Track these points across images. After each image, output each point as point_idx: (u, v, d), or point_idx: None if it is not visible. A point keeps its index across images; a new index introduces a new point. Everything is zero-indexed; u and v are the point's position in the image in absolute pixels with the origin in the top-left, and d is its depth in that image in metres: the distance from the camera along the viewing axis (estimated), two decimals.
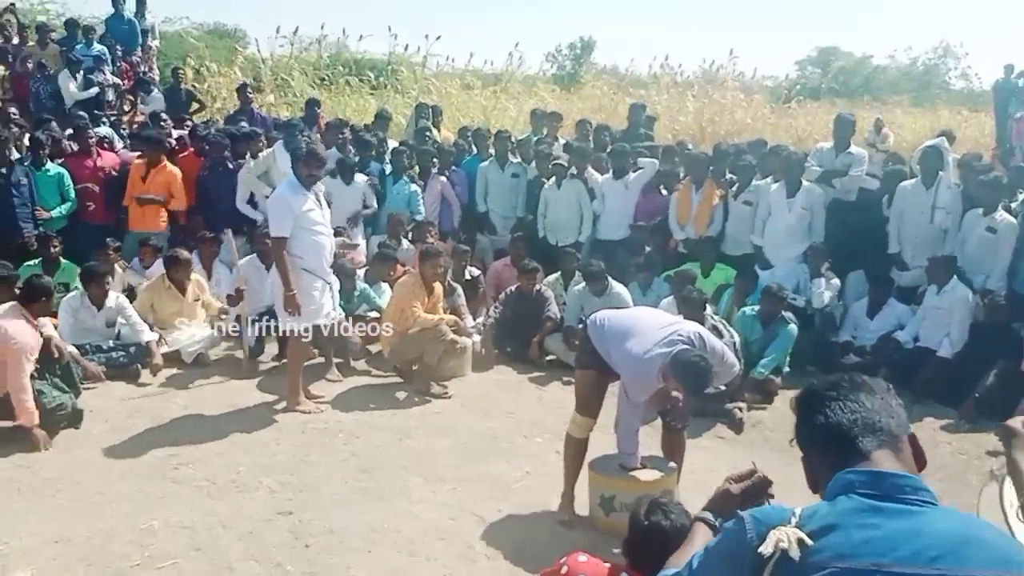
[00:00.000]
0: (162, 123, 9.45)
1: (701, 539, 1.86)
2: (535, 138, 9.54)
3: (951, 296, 6.66)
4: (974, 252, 6.89)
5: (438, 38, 18.42)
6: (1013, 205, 7.22)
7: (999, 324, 6.43)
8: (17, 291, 5.59)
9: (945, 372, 6.45)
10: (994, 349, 6.28)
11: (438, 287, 6.66)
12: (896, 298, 7.19)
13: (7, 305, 5.31)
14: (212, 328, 6.90)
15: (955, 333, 6.56)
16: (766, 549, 1.42)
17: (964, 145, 14.38)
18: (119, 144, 9.34)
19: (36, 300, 5.28)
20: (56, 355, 5.47)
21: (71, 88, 10.81)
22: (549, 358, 7.16)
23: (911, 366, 6.59)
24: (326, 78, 16.91)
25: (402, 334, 6.40)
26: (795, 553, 1.40)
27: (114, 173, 8.38)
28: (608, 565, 2.51)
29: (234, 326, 6.78)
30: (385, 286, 7.30)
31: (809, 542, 1.41)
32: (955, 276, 6.73)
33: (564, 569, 2.50)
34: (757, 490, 1.91)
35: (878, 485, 1.47)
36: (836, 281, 7.27)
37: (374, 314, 7.01)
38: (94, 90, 10.93)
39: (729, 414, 6.00)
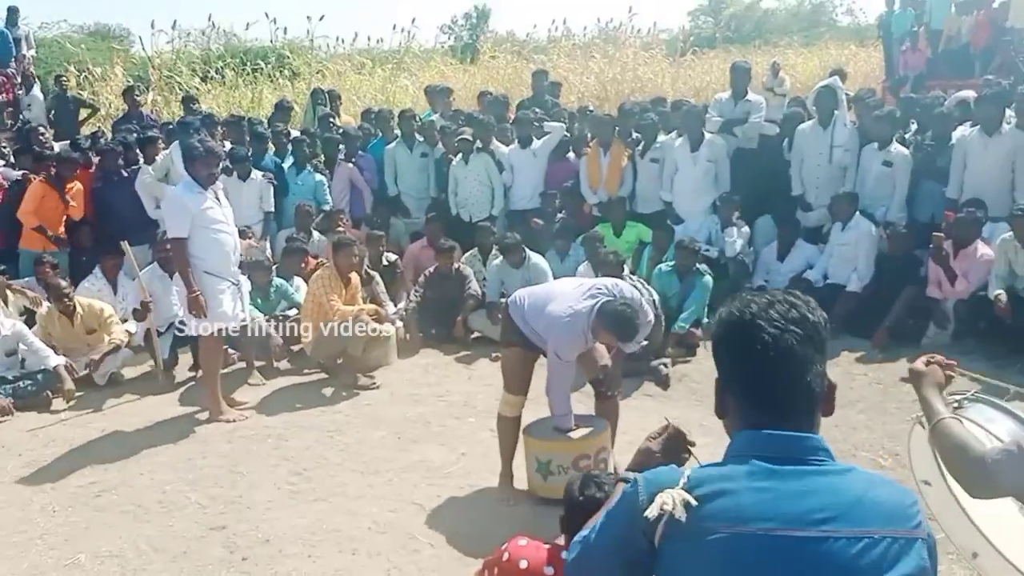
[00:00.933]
0: (41, 136, 8.97)
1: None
2: (434, 116, 9.40)
3: (855, 231, 6.86)
4: (873, 186, 7.10)
5: (321, 18, 17.93)
6: (907, 136, 7.46)
7: (902, 254, 6.67)
8: None
9: (856, 306, 6.67)
10: (900, 278, 6.52)
11: (355, 277, 6.54)
12: (803, 239, 7.37)
13: None
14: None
15: (862, 267, 6.77)
16: (651, 512, 1.40)
17: (855, 80, 14.83)
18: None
19: None
20: None
21: None
22: (474, 336, 7.13)
23: (823, 303, 6.68)
24: (216, 71, 16.34)
25: (322, 330, 6.27)
26: (680, 514, 1.38)
27: None
28: (548, 547, 2.49)
29: (142, 342, 6.53)
30: (299, 281, 7.13)
31: (694, 503, 1.39)
32: (857, 212, 6.94)
33: (505, 556, 2.47)
34: (675, 444, 1.86)
35: (779, 447, 1.44)
36: (746, 229, 7.42)
37: (293, 312, 6.86)
38: None
39: (655, 371, 6.09)
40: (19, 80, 11.84)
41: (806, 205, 7.46)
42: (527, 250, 6.97)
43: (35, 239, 7.68)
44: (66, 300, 6.48)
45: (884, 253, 6.82)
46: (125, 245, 6.39)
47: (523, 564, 2.40)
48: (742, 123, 7.66)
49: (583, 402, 4.91)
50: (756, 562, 1.36)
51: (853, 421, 5.26)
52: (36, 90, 11.38)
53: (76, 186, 7.83)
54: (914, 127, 7.81)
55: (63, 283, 6.60)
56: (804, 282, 7.03)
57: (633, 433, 5.14)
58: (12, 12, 12.55)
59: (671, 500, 1.39)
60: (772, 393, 1.46)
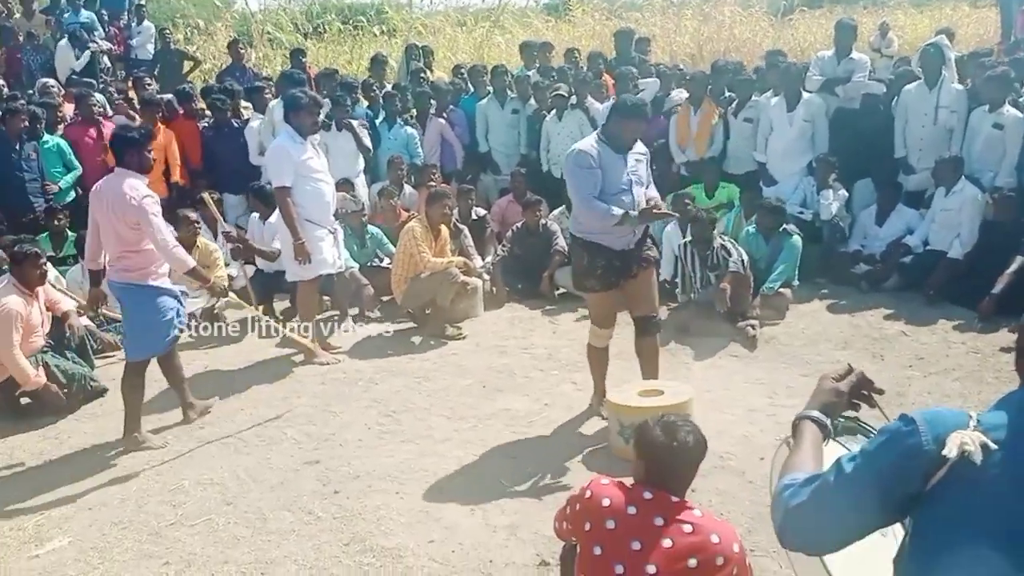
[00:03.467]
0: (146, 84, 9.35)
1: (810, 440, 1.72)
2: (529, 73, 9.38)
3: (960, 197, 6.60)
4: (982, 150, 6.79)
5: None
6: (1021, 100, 7.08)
7: (1009, 220, 6.38)
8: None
9: (957, 273, 6.44)
10: (1006, 246, 6.24)
11: (444, 230, 6.65)
12: (904, 203, 7.13)
13: (3, 279, 5.34)
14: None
15: (965, 234, 6.52)
16: (950, 452, 1.36)
17: (969, 43, 14.06)
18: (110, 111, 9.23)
19: (20, 267, 5.24)
20: (69, 332, 5.54)
21: (72, 60, 10.68)
22: (560, 291, 7.17)
23: (922, 270, 6.57)
24: (317, 27, 16.63)
25: (413, 279, 6.42)
26: (978, 458, 1.35)
27: None
28: (630, 484, 2.54)
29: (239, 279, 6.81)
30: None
31: (993, 446, 1.35)
32: (963, 176, 6.66)
33: (588, 493, 2.52)
34: (860, 387, 1.79)
35: None
36: (843, 191, 7.20)
37: (386, 262, 7.04)
38: (87, 54, 10.82)
39: (742, 331, 6.02)
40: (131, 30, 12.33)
41: (908, 168, 7.19)
42: None
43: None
44: (195, 226, 6.75)
45: (989, 220, 6.54)
46: (206, 196, 6.60)
47: (605, 502, 2.45)
48: (844, 82, 7.39)
49: (632, 366, 4.96)
50: None
51: (947, 389, 5.11)
52: (147, 22, 11.85)
53: (168, 137, 8.12)
54: None
55: (192, 214, 6.92)
56: (903, 247, 6.83)
57: (716, 391, 5.15)
58: None
59: (971, 441, 1.36)
60: None
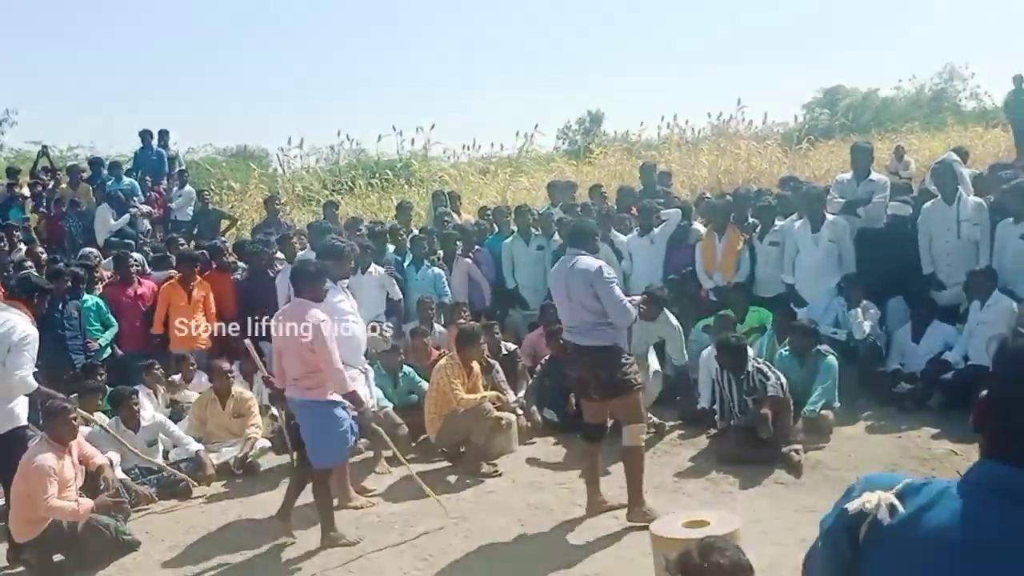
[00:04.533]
0: (181, 244, 9.70)
1: None
2: (553, 211, 9.63)
3: (995, 309, 6.52)
4: (1012, 261, 6.75)
5: (432, 127, 18.76)
6: None
7: None
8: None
9: None
10: None
11: (476, 366, 6.66)
12: (939, 319, 7.05)
13: (36, 436, 5.36)
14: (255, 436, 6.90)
15: None
16: (852, 505, 1.37)
17: (983, 162, 14.27)
18: (149, 269, 9.52)
19: (54, 422, 5.28)
20: (103, 486, 5.52)
21: (109, 221, 11.14)
22: None
23: (965, 386, 6.39)
24: (344, 183, 17.32)
25: (448, 416, 6.38)
26: (883, 515, 1.33)
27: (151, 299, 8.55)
28: None
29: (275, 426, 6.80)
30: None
31: (900, 508, 1.33)
32: (996, 289, 6.61)
33: None
34: None
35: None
36: (875, 310, 7.15)
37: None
38: (126, 217, 11.29)
39: (786, 458, 5.85)
40: (171, 193, 12.90)
41: (938, 284, 7.15)
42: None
43: (182, 340, 8.21)
44: (228, 377, 6.93)
45: None
46: (248, 343, 6.70)
47: None
48: (865, 203, 7.48)
49: (691, 493, 4.78)
50: None
51: None
52: (188, 187, 12.43)
53: (206, 288, 8.35)
54: None
55: (225, 364, 7.02)
56: (943, 363, 6.69)
57: (765, 522, 4.95)
58: (163, 134, 13.85)
59: (875, 500, 1.35)
60: None
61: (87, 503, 5.21)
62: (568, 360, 5.58)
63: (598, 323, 5.08)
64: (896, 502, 1.34)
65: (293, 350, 5.08)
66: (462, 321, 7.75)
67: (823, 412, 6.28)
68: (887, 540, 1.35)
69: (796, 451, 5.90)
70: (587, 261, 5.15)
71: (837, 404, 6.46)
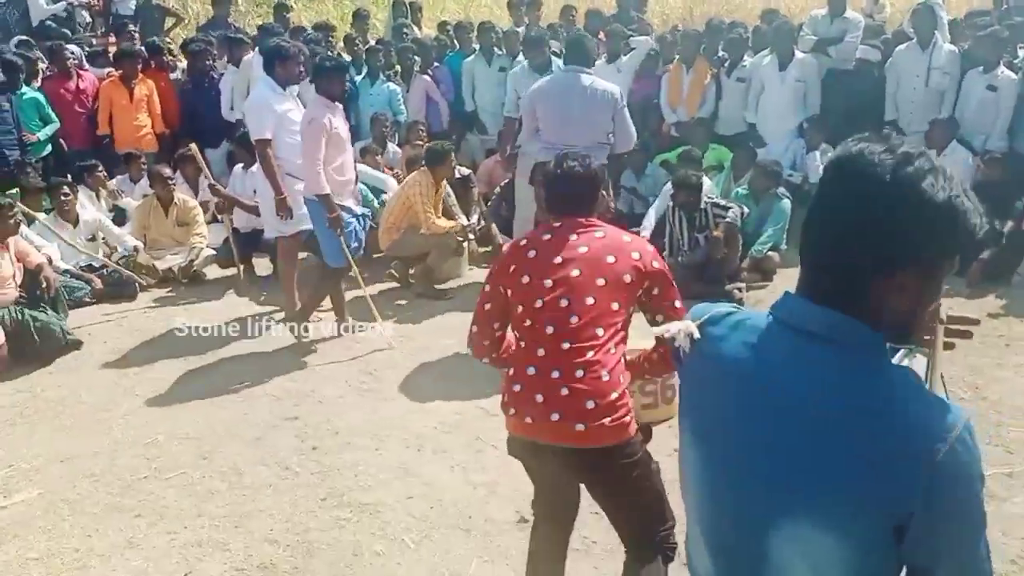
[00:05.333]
0: (132, 33, 9.12)
1: None
2: (519, 30, 9.20)
3: (950, 159, 6.47)
4: (975, 113, 6.72)
5: None
6: (1015, 61, 6.99)
7: (998, 182, 6.31)
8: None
9: None
10: (994, 211, 6.17)
11: (444, 185, 6.52)
12: None
13: None
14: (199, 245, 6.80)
15: None
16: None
17: (959, 11, 13.92)
18: (87, 65, 8.99)
19: None
20: (44, 284, 5.41)
21: (45, 4, 10.40)
22: None
23: None
24: None
25: (407, 230, 6.29)
26: (680, 343, 1.37)
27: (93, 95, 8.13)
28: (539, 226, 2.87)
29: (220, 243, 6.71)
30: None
31: (697, 335, 1.36)
32: (955, 140, 6.58)
33: (505, 248, 2.75)
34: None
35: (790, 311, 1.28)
36: (832, 153, 7.09)
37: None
38: (61, 5, 10.53)
39: (730, 295, 5.95)
40: None
41: (899, 131, 7.09)
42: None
43: (127, 140, 7.88)
44: (169, 183, 6.77)
45: (979, 183, 6.47)
46: (194, 148, 6.48)
47: (523, 242, 2.62)
48: (837, 42, 7.27)
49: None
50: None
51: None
52: None
53: (149, 87, 7.94)
54: (1023, 53, 7.31)
55: (167, 170, 6.80)
56: None
57: None
58: None
59: (675, 329, 1.39)
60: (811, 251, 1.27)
61: None
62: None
63: (600, 143, 5.09)
64: (695, 331, 1.37)
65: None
66: (418, 142, 7.54)
67: (770, 253, 6.35)
68: (688, 367, 1.39)
69: (739, 289, 6.02)
70: (603, 83, 5.22)
71: (784, 247, 6.53)
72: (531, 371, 2.43)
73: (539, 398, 2.39)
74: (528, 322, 2.46)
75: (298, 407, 4.57)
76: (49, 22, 10.03)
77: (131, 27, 9.45)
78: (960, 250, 1.20)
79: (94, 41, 9.64)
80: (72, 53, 8.25)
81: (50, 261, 5.75)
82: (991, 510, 3.41)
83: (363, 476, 3.86)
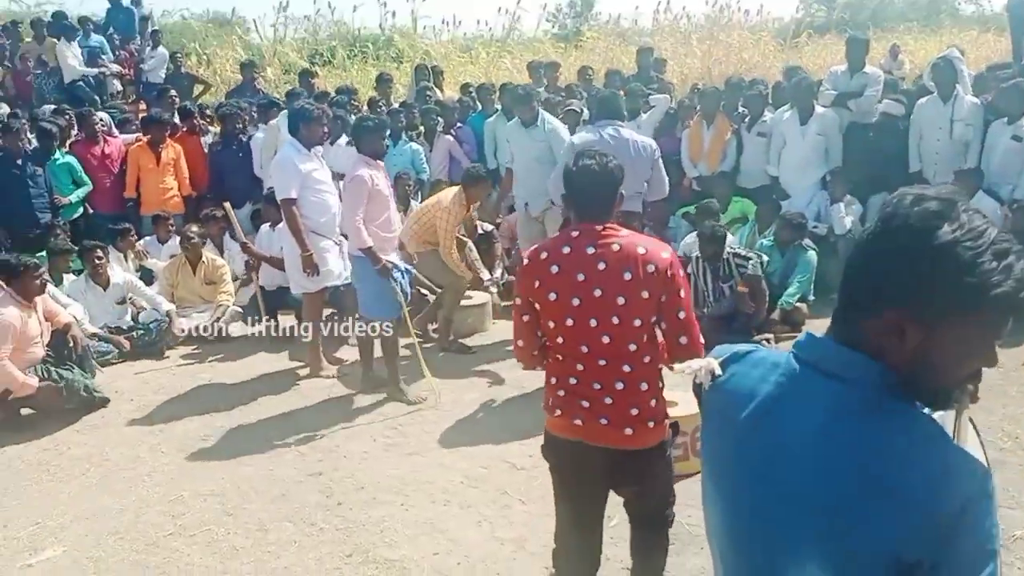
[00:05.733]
0: (171, 98, 9.37)
1: None
2: (540, 89, 9.34)
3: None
4: (1000, 163, 6.68)
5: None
6: None
7: None
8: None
9: None
10: None
11: (473, 209, 6.59)
12: None
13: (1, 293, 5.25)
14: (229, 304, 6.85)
15: None
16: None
17: (978, 65, 14.02)
18: (116, 131, 9.19)
19: (15, 278, 5.17)
20: (71, 344, 5.46)
21: (70, 61, 10.73)
22: None
23: None
24: (323, 54, 16.72)
25: (428, 251, 6.24)
26: (701, 379, 1.37)
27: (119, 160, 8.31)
28: (560, 233, 2.83)
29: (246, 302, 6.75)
30: None
31: (719, 372, 1.35)
32: (980, 190, 6.55)
33: (526, 260, 2.70)
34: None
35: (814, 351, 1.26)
36: (857, 205, 7.09)
37: None
38: (95, 70, 10.87)
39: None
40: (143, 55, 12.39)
41: (924, 182, 7.06)
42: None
43: (154, 203, 8.02)
44: (196, 244, 6.86)
45: (1007, 232, 6.41)
46: (227, 206, 6.57)
47: (543, 255, 2.60)
48: (857, 96, 7.31)
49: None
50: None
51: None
52: (161, 48, 11.93)
53: (176, 152, 8.10)
54: None
55: (195, 228, 6.90)
56: None
57: None
58: None
59: (697, 365, 1.38)
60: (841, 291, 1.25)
61: (32, 382, 5.13)
62: None
63: (638, 192, 5.32)
64: (717, 368, 1.36)
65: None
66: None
67: (798, 304, 6.30)
68: (708, 401, 1.38)
69: (768, 340, 5.96)
70: (642, 136, 5.56)
71: (812, 298, 6.47)
72: (573, 381, 2.56)
73: (585, 403, 2.54)
74: (561, 339, 2.55)
75: (323, 463, 4.53)
76: (80, 83, 10.31)
77: (172, 92, 9.66)
78: (980, 303, 1.08)
79: (125, 108, 9.87)
80: (101, 119, 8.45)
81: (77, 321, 5.79)
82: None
83: (389, 532, 3.79)
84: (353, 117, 8.18)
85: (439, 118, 8.76)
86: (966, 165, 6.72)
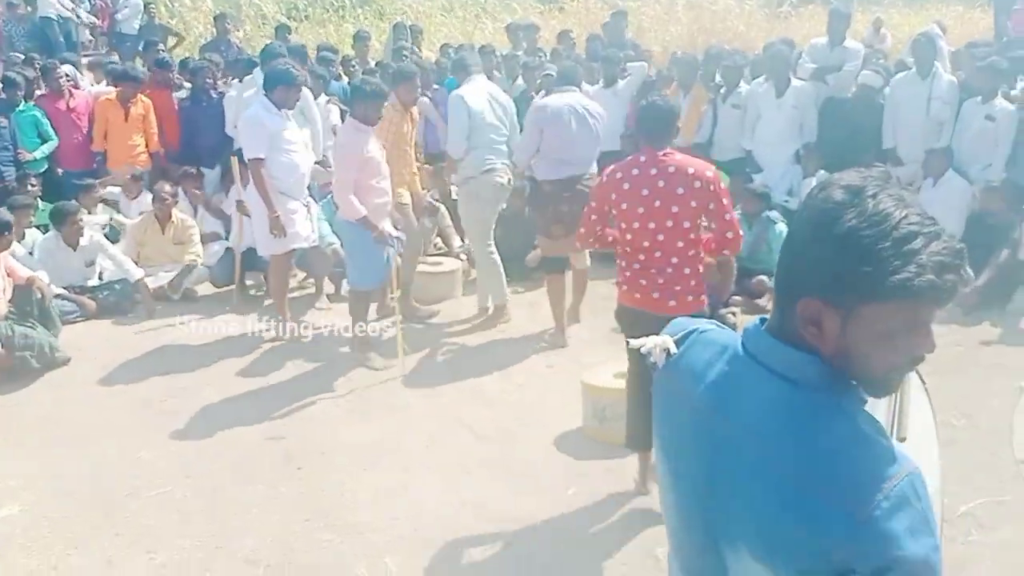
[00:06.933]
0: (159, 49, 9.16)
1: None
2: (518, 53, 9.24)
3: (947, 188, 6.52)
4: (972, 142, 6.69)
5: None
6: (1013, 92, 6.99)
7: (996, 212, 6.30)
8: None
9: None
10: (991, 239, 6.15)
11: (415, 111, 6.34)
12: None
13: None
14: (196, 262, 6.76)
15: (951, 225, 6.40)
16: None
17: (960, 43, 14.01)
18: (83, 82, 8.98)
19: None
20: (39, 295, 5.39)
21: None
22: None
23: None
24: (300, 9, 16.42)
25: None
26: (654, 358, 1.36)
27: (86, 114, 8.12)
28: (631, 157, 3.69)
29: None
30: None
31: (674, 350, 1.35)
32: (951, 168, 6.58)
33: (603, 177, 3.70)
34: None
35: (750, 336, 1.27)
36: None
37: None
38: (70, 7, 10.65)
39: (723, 319, 5.91)
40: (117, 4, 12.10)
41: (897, 159, 7.09)
42: None
43: (121, 159, 7.86)
44: (169, 201, 6.72)
45: (976, 213, 6.47)
46: (234, 160, 6.36)
47: (618, 175, 3.62)
48: (836, 71, 7.28)
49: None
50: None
51: (929, 383, 5.02)
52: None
53: (146, 106, 7.94)
54: (1021, 85, 7.31)
55: (168, 187, 6.78)
56: None
57: None
58: None
59: (651, 343, 1.38)
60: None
61: None
62: (549, 196, 5.46)
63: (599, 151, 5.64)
64: (671, 346, 1.35)
65: None
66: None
67: (762, 277, 6.32)
68: (659, 381, 1.38)
69: (732, 313, 5.99)
70: (592, 102, 5.73)
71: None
72: (636, 266, 3.56)
73: (643, 282, 3.54)
74: (629, 236, 3.54)
75: (285, 426, 4.53)
76: (54, 20, 10.06)
77: (160, 46, 9.44)
78: (883, 291, 1.07)
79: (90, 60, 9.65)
80: (66, 74, 8.25)
81: None
82: (980, 538, 3.36)
83: (349, 496, 3.82)
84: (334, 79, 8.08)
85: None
86: (939, 144, 6.74)
